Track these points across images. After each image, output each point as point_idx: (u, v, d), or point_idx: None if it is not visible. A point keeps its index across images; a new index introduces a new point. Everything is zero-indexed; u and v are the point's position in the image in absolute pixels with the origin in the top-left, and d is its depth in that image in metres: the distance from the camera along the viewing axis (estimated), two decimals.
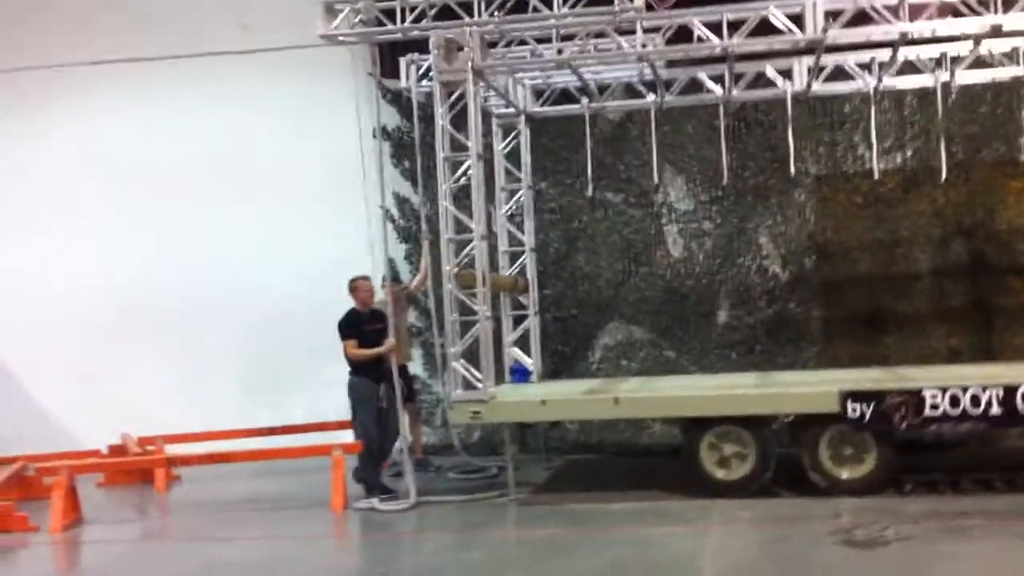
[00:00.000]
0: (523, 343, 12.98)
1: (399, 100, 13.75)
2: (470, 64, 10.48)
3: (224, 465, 11.88)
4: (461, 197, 11.02)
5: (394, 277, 12.84)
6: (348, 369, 11.01)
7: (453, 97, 10.79)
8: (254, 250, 14.50)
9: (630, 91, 12.79)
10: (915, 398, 9.45)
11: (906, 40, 10.77)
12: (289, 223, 14.41)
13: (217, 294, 14.48)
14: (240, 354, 14.42)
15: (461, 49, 10.53)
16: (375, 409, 11.10)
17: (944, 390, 9.41)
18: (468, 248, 10.71)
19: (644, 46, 10.82)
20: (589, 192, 12.79)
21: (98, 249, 15.01)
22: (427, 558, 8.78)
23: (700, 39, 10.53)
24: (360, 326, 11.03)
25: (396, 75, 12.99)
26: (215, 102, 14.76)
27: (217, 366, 14.41)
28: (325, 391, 13.06)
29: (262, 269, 14.41)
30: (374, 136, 13.73)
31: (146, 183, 14.83)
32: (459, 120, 10.85)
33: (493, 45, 10.98)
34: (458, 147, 10.75)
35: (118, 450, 13.18)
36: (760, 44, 10.73)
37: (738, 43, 10.46)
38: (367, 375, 11.01)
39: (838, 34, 10.31)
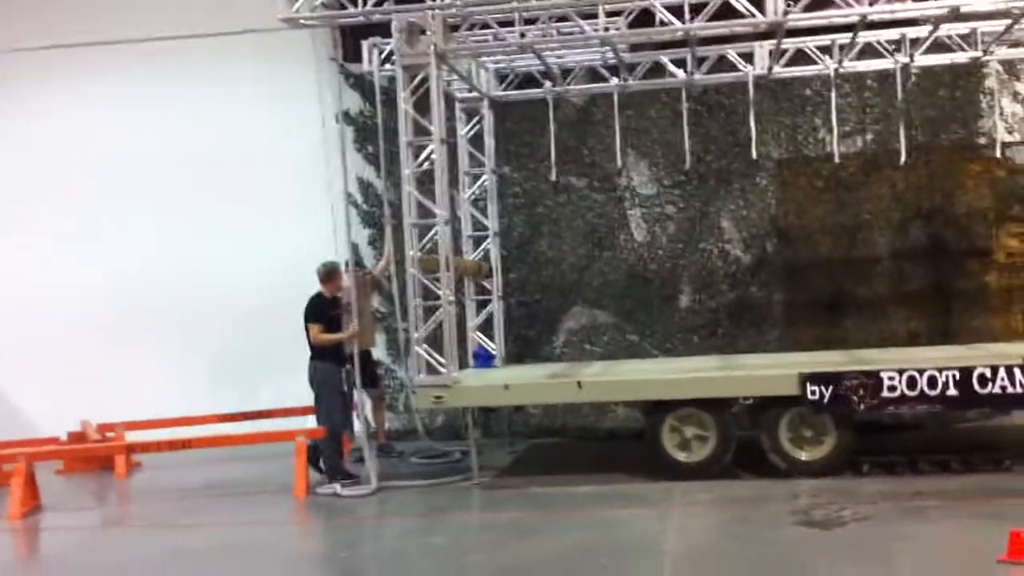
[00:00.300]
0: (487, 328, 13.00)
1: (361, 84, 13.71)
2: (433, 48, 10.43)
3: (185, 452, 11.77)
4: (425, 181, 10.99)
5: (357, 262, 12.83)
6: (309, 355, 10.95)
7: (416, 81, 10.72)
8: (216, 237, 14.40)
9: (593, 75, 12.80)
10: (873, 380, 9.53)
11: (866, 23, 10.84)
12: (252, 210, 14.34)
13: (182, 283, 14.39)
14: (211, 344, 14.33)
15: (424, 33, 10.49)
16: (340, 394, 11.10)
17: (902, 372, 9.50)
18: (431, 233, 10.69)
19: (607, 30, 10.80)
20: (553, 177, 12.79)
21: (70, 242, 14.90)
22: (390, 543, 8.78)
23: (662, 22, 10.53)
24: (325, 311, 11.00)
25: (358, 59, 12.93)
26: (176, 90, 14.60)
27: (189, 358, 14.33)
28: (291, 377, 12.99)
29: (229, 258, 14.30)
30: (336, 121, 13.69)
31: (118, 178, 14.70)
32: (422, 104, 10.79)
33: (455, 29, 10.92)
34: (421, 131, 10.71)
35: (77, 437, 13.06)
36: (721, 27, 10.77)
37: (700, 26, 10.48)
38: (331, 360, 10.99)
39: (798, 17, 10.36)
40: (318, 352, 10.93)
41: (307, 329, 10.93)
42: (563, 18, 11.10)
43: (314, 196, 13.95)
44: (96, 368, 14.42)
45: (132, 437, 12.86)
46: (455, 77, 12.19)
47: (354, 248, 13.61)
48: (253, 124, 14.37)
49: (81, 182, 14.83)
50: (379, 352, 13.40)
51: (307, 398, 12.01)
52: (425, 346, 10.58)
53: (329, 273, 11.08)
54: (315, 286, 11.12)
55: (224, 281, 14.23)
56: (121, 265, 14.64)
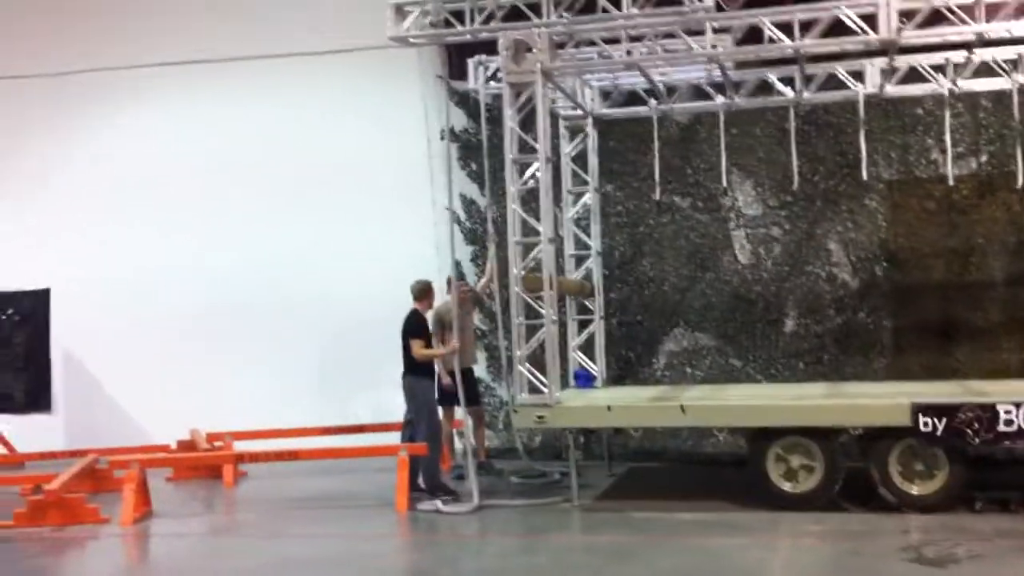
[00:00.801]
0: (587, 348, 12.94)
1: (466, 102, 13.82)
2: (539, 65, 10.46)
3: (289, 463, 11.99)
4: (528, 199, 11.04)
5: (459, 279, 12.92)
6: (405, 370, 11.11)
7: (522, 99, 10.77)
8: (324, 251, 14.68)
9: (698, 93, 12.67)
10: (989, 412, 9.25)
11: (982, 41, 10.54)
12: (358, 224, 14.59)
13: (287, 293, 14.70)
14: (312, 355, 14.62)
15: (530, 50, 10.52)
16: (436, 411, 11.23)
17: (1019, 405, 9.20)
18: (535, 251, 10.70)
19: (714, 47, 10.72)
20: (657, 196, 12.69)
21: (180, 252, 15.32)
22: (492, 561, 8.81)
23: (771, 40, 10.38)
24: (424, 327, 11.16)
25: (463, 77, 13.08)
26: (287, 105, 14.97)
27: (289, 368, 14.63)
28: (389, 392, 13.16)
29: (332, 270, 14.57)
30: (442, 138, 13.90)
31: (225, 188, 15.12)
32: (527, 122, 10.85)
33: (561, 46, 10.93)
34: (526, 149, 10.75)
35: (186, 445, 13.40)
36: (832, 45, 10.56)
37: (810, 44, 10.31)
38: (428, 376, 11.15)
39: (912, 35, 10.11)
40: (415, 368, 11.05)
41: (406, 344, 11.04)
42: (669, 35, 11.04)
43: (418, 212, 14.23)
44: (202, 376, 14.82)
45: (238, 446, 13.16)
46: (559, 95, 12.21)
47: (456, 265, 13.79)
48: (361, 140, 14.65)
49: (195, 188, 15.25)
50: (479, 370, 13.43)
51: (395, 408, 12.21)
52: (527, 365, 10.59)
53: (423, 290, 11.25)
54: (406, 296, 11.35)
55: (328, 293, 14.49)
56: (230, 275, 15.00)
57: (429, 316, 11.64)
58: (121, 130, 15.71)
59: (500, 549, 9.20)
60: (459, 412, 12.11)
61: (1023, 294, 12.39)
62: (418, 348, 10.97)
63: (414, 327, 11.10)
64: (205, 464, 12.94)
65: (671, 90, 12.62)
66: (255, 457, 11.68)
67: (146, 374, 15.04)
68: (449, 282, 12.23)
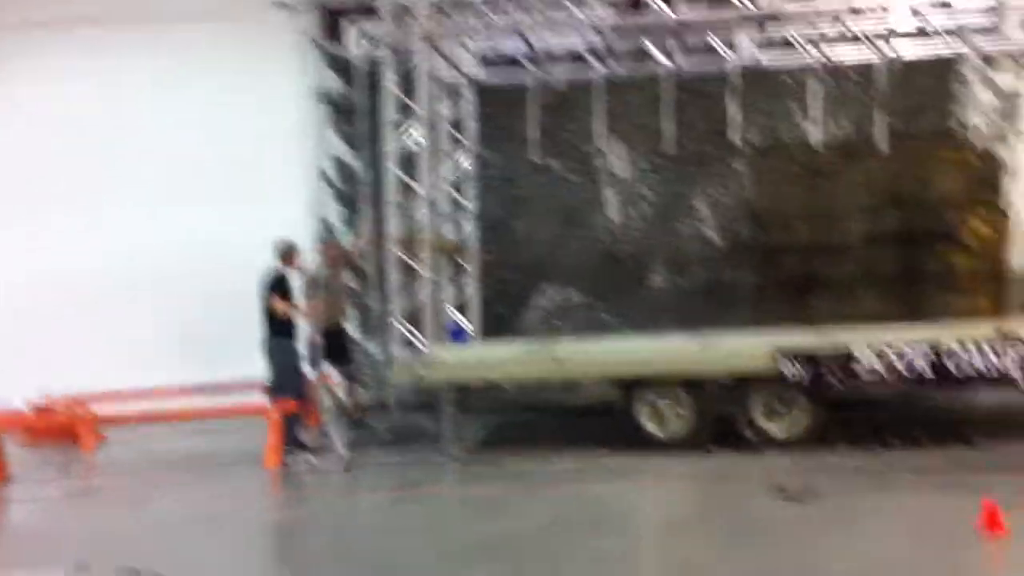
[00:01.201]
0: (461, 305, 12.97)
1: (340, 65, 13.60)
2: (421, 30, 10.40)
3: (152, 425, 11.69)
4: (406, 162, 10.98)
5: (331, 239, 12.81)
6: (266, 332, 11.05)
7: (403, 62, 10.71)
8: (194, 212, 14.24)
9: (576, 59, 12.77)
10: (848, 359, 9.65)
11: (851, 12, 10.90)
12: (230, 188, 14.16)
13: (152, 256, 14.23)
14: (177, 318, 14.17)
15: (411, 15, 10.46)
16: (297, 368, 11.21)
17: (876, 351, 9.62)
18: (413, 212, 10.67)
19: (596, 16, 10.82)
20: (536, 159, 12.77)
21: (36, 209, 14.65)
22: (369, 515, 8.76)
23: (652, 9, 10.54)
24: (286, 285, 11.17)
25: (338, 39, 12.89)
26: (156, 67, 14.45)
27: (153, 330, 14.16)
28: (257, 353, 12.96)
29: (201, 231, 14.14)
30: (316, 101, 13.69)
31: (90, 144, 14.49)
32: (405, 85, 10.80)
33: (443, 11, 10.89)
34: (405, 111, 10.69)
35: (41, 409, 12.88)
36: (710, 16, 10.80)
37: (690, 15, 10.51)
38: (288, 335, 11.12)
39: (787, 7, 10.41)
40: (275, 327, 11.00)
41: (266, 302, 11.00)
42: (552, 2, 11.10)
43: (290, 175, 13.93)
44: (57, 339, 14.23)
45: (97, 409, 12.70)
46: (439, 59, 12.16)
47: (327, 226, 13.66)
48: (232, 102, 14.23)
49: (52, 156, 14.63)
50: (350, 328, 13.30)
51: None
52: (404, 322, 10.56)
53: (286, 250, 11.21)
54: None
55: (196, 254, 14.07)
56: (89, 237, 14.43)
57: (297, 276, 11.53)
58: None
59: (377, 503, 9.16)
60: (330, 369, 12.05)
61: (879, 251, 12.94)
62: (279, 304, 10.94)
63: (275, 285, 11.08)
64: (63, 428, 12.46)
65: (550, 56, 12.67)
66: (117, 420, 11.29)
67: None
68: (322, 242, 12.13)
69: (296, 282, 11.57)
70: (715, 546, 7.09)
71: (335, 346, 11.95)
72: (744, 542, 7.13)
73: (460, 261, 13.04)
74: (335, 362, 12.21)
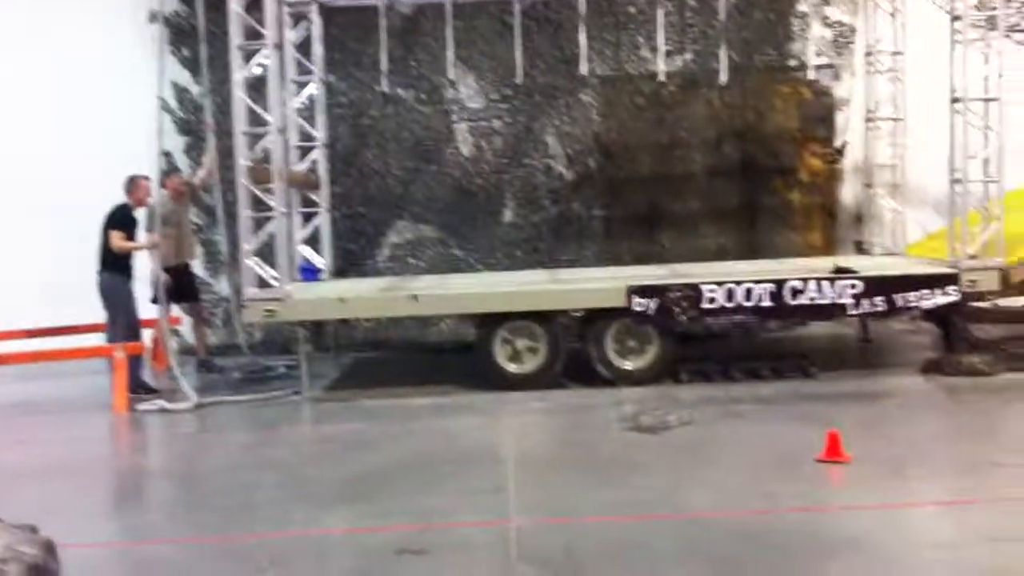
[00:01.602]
0: (311, 241, 12.78)
1: None
2: None
3: None
4: (252, 88, 10.64)
5: (173, 171, 12.38)
6: (100, 267, 10.83)
7: None
8: (27, 142, 13.41)
9: None
10: (694, 293, 10.03)
11: None
12: (65, 114, 13.39)
13: None
14: (15, 254, 13.46)
15: None
16: (132, 307, 10.98)
17: (721, 285, 10.04)
18: (261, 142, 10.39)
19: None
20: (384, 88, 12.57)
21: None
22: (225, 456, 8.65)
23: None
24: (130, 220, 10.89)
25: None
26: None
27: None
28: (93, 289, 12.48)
29: (35, 162, 13.36)
30: (150, 21, 13.07)
31: None
32: (250, 7, 10.41)
33: None
34: (251, 35, 10.33)
35: None
36: None
37: None
38: (122, 271, 10.87)
39: None
40: (109, 263, 10.78)
41: (105, 237, 10.74)
42: None
43: (128, 102, 13.27)
44: None
45: None
46: None
47: (167, 156, 13.13)
48: (65, 24, 13.40)
49: None
50: (196, 266, 12.95)
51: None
52: (255, 259, 10.35)
53: (128, 183, 10.90)
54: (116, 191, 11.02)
55: (33, 188, 13.31)
56: None
57: (142, 212, 11.15)
58: None
59: (232, 444, 9.08)
60: (176, 309, 11.77)
61: (720, 185, 13.39)
62: (117, 239, 10.68)
63: (116, 219, 10.82)
64: None
65: None
66: None
67: None
68: (164, 176, 11.70)
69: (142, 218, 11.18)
70: (576, 478, 7.32)
71: (182, 284, 11.66)
72: (603, 474, 7.38)
73: (310, 195, 12.79)
74: (182, 301, 11.92)
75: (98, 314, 11.26)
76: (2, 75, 13.45)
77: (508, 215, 13.42)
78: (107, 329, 10.96)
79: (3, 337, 12.09)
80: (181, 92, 13.40)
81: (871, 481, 6.92)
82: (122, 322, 10.80)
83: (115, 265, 10.77)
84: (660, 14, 12.39)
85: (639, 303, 10.03)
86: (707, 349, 11.39)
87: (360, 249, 13.46)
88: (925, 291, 9.96)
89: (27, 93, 13.42)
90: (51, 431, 9.68)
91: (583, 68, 12.42)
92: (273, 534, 6.44)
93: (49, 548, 5.10)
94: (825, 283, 9.99)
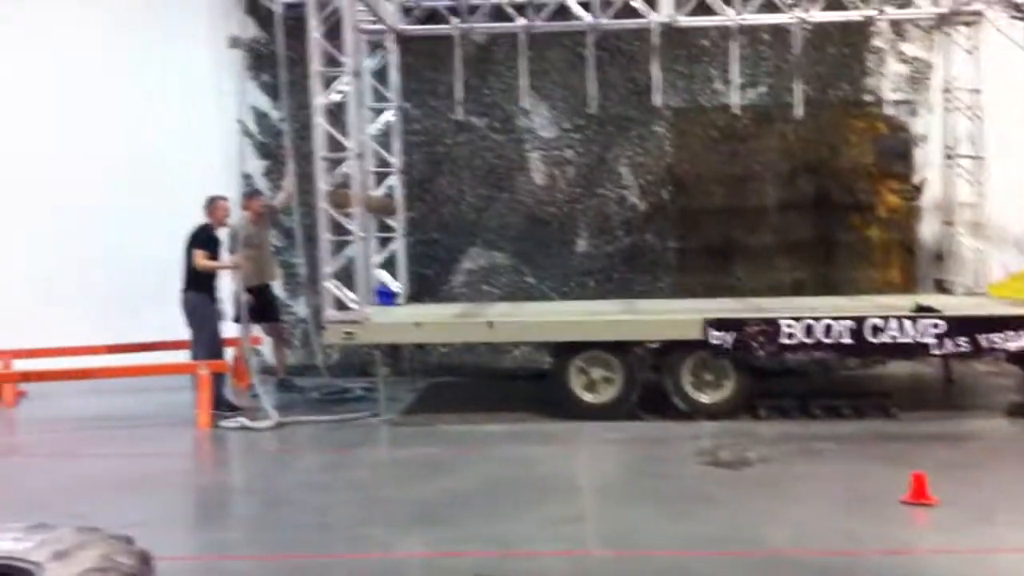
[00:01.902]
0: (388, 265, 12.95)
1: (257, 10, 13.31)
2: None
3: (73, 383, 11.43)
4: (330, 114, 10.85)
5: (255, 193, 12.60)
6: (184, 286, 10.99)
7: (327, 11, 10.52)
8: (108, 163, 13.77)
9: (498, 13, 12.74)
10: (773, 327, 9.97)
11: None
12: (144, 137, 13.74)
13: (66, 208, 13.75)
14: (93, 272, 13.79)
15: None
16: (216, 326, 11.15)
17: (799, 320, 9.96)
18: (341, 167, 10.57)
19: None
20: (459, 115, 12.73)
21: None
22: (305, 475, 8.75)
23: None
24: (212, 240, 11.08)
25: None
26: (62, 8, 13.87)
27: (65, 283, 13.75)
28: (175, 308, 12.73)
29: (117, 183, 13.71)
30: (230, 47, 13.37)
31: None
32: (329, 34, 10.63)
33: None
34: (330, 63, 10.53)
35: None
36: None
37: None
38: (206, 291, 11.03)
39: None
40: (193, 283, 10.94)
41: (189, 256, 10.90)
42: None
43: (207, 124, 13.60)
44: None
45: (18, 365, 12.37)
46: (362, 8, 11.97)
47: (249, 179, 13.42)
48: (145, 47, 13.77)
49: None
50: (276, 287, 13.15)
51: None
52: (335, 281, 10.51)
53: (207, 204, 11.12)
54: (196, 213, 11.24)
55: (112, 207, 13.66)
56: (12, 193, 13.89)
57: (224, 233, 11.38)
58: None
59: (312, 464, 9.18)
60: (257, 329, 11.96)
61: (795, 219, 13.31)
62: (201, 259, 10.87)
63: (199, 239, 11.00)
64: None
65: (472, 9, 12.61)
66: (43, 376, 11.00)
67: None
68: (245, 197, 11.95)
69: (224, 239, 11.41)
70: (654, 511, 7.30)
71: (263, 304, 11.85)
72: (680, 508, 7.36)
73: (387, 220, 12.96)
74: (262, 321, 12.11)
75: (179, 332, 11.48)
76: (86, 98, 13.81)
77: (581, 244, 13.45)
78: (191, 347, 11.12)
79: (86, 352, 12.40)
80: (260, 117, 13.65)
81: (958, 525, 6.82)
82: (205, 340, 10.97)
83: (199, 284, 10.96)
84: (734, 47, 12.43)
85: (716, 336, 10.00)
86: (785, 385, 11.30)
87: (434, 274, 13.57)
88: (1010, 332, 9.80)
89: (109, 116, 13.77)
90: (135, 445, 9.88)
91: (656, 100, 12.48)
92: (350, 555, 6.52)
93: (145, 559, 5.19)
94: (907, 322, 9.87)
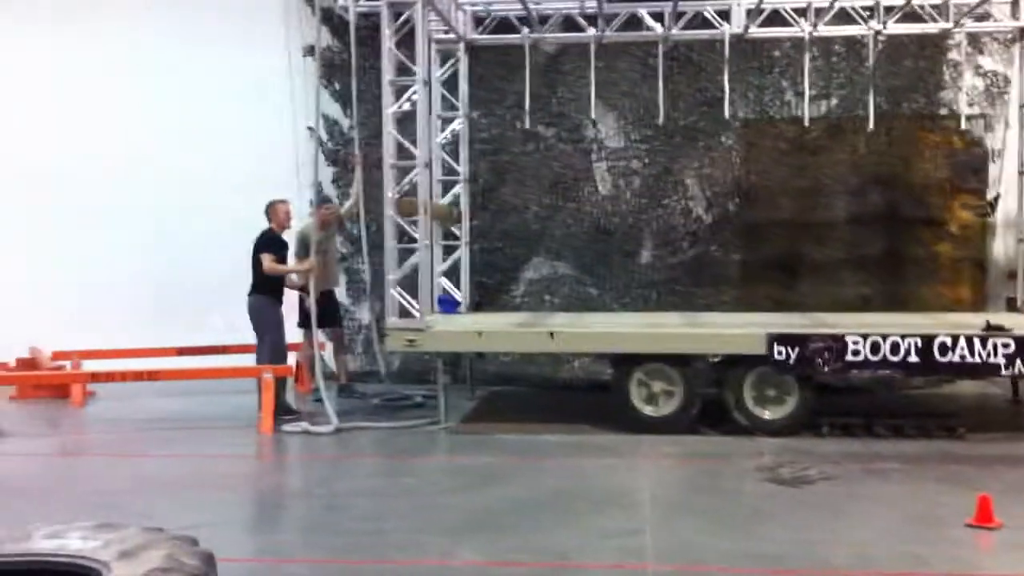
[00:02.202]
0: (450, 273, 13.01)
1: (330, 19, 13.45)
2: None
3: (140, 383, 11.64)
4: (402, 122, 10.94)
5: (323, 201, 12.75)
6: (251, 289, 11.11)
7: (400, 20, 10.62)
8: (178, 167, 14.07)
9: (567, 24, 12.76)
10: (839, 343, 9.81)
11: None
12: (215, 142, 14.01)
13: (137, 211, 14.09)
14: (160, 274, 14.09)
15: None
16: (281, 330, 11.25)
17: (866, 337, 9.79)
18: (410, 175, 10.65)
19: None
20: (527, 125, 12.76)
21: (19, 162, 14.42)
22: (363, 481, 8.81)
23: None
24: (278, 244, 11.20)
25: None
26: (139, 15, 14.20)
27: (133, 285, 14.07)
28: (242, 311, 12.93)
29: (186, 188, 13.99)
30: (304, 55, 13.58)
31: (58, 98, 14.32)
32: (401, 43, 10.73)
33: None
34: (403, 71, 10.63)
35: (27, 363, 12.83)
36: None
37: None
38: (271, 294, 11.12)
39: None
40: (259, 286, 11.04)
41: (256, 260, 11.00)
42: None
43: (278, 130, 13.81)
44: (38, 293, 14.16)
45: (87, 366, 12.69)
46: (435, 18, 12.07)
47: (318, 186, 13.58)
48: (218, 53, 14.02)
49: (38, 96, 14.41)
50: (339, 293, 13.31)
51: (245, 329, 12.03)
52: (398, 288, 10.59)
53: (268, 208, 11.24)
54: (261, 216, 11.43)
55: (181, 210, 13.95)
56: (75, 187, 14.25)
57: (290, 237, 11.53)
58: None
59: (371, 470, 9.24)
60: (320, 334, 12.08)
61: (864, 234, 13.11)
62: (268, 262, 10.95)
63: (265, 242, 11.11)
64: (51, 383, 12.41)
65: (543, 19, 12.63)
66: (111, 376, 11.24)
67: None
68: (312, 203, 12.09)
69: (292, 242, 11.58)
70: (712, 527, 7.22)
71: (325, 310, 11.97)
72: (740, 524, 7.27)
73: (452, 228, 13.04)
74: (324, 326, 12.23)
75: (246, 335, 11.67)
76: (160, 103, 14.14)
77: (645, 256, 13.39)
78: (256, 350, 11.27)
79: (156, 354, 12.67)
80: (331, 124, 13.81)
81: None
82: (269, 344, 11.11)
83: (264, 288, 11.09)
84: (806, 59, 12.28)
85: (780, 351, 9.87)
86: (848, 402, 11.11)
87: (496, 283, 13.61)
88: None
89: (183, 121, 14.07)
90: (193, 447, 10.03)
91: (726, 111, 12.39)
92: (405, 562, 6.54)
93: (209, 560, 5.27)
94: (977, 341, 9.66)
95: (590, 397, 11.95)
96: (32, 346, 13.09)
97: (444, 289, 12.82)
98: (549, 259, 13.53)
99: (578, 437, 10.13)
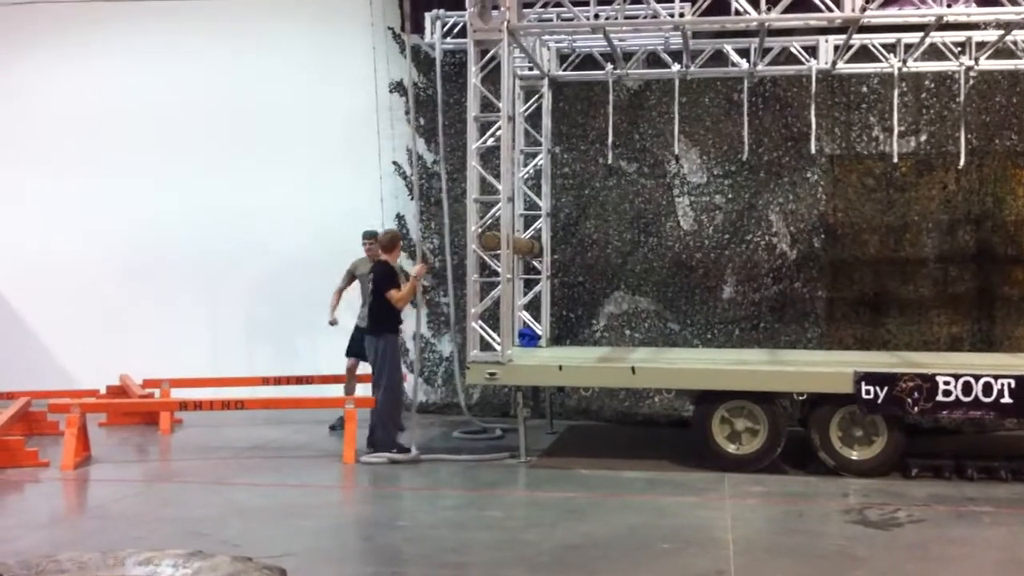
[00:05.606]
0: (531, 307, 13.06)
1: (417, 55, 13.69)
2: (505, 24, 10.45)
3: (226, 412, 11.86)
4: (487, 157, 11.06)
5: (404, 234, 12.93)
6: (372, 326, 10.92)
7: (486, 57, 10.76)
8: (264, 199, 14.44)
9: (651, 60, 12.79)
10: (929, 383, 9.60)
11: (939, 23, 10.78)
12: (301, 174, 14.38)
13: (225, 243, 14.49)
14: (248, 305, 14.43)
15: (496, 8, 10.51)
16: (399, 366, 11.18)
17: (957, 377, 9.57)
18: (493, 210, 10.75)
19: (681, 14, 10.83)
20: (609, 160, 12.80)
21: (114, 194, 14.95)
22: (445, 513, 8.82)
23: (737, 11, 10.52)
24: (397, 278, 10.98)
25: (415, 30, 13.06)
26: (231, 48, 14.66)
27: (222, 316, 14.42)
28: (325, 342, 13.16)
29: (273, 219, 14.36)
30: (391, 91, 13.83)
31: (162, 129, 14.79)
32: (486, 79, 10.87)
33: (528, 5, 10.94)
34: (486, 107, 10.75)
35: (117, 391, 13.17)
36: (795, 20, 10.77)
37: (775, 18, 10.43)
38: (394, 331, 10.91)
39: (874, 15, 10.36)
40: (385, 324, 10.75)
41: (380, 296, 10.66)
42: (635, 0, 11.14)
43: (363, 164, 14.08)
44: (128, 322, 14.61)
45: (175, 394, 12.99)
46: (519, 55, 12.20)
47: (401, 220, 13.81)
48: (307, 88, 14.46)
49: (129, 132, 14.88)
50: (422, 326, 13.42)
51: (341, 365, 12.22)
52: (480, 322, 10.66)
53: (393, 241, 11.05)
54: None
55: (268, 241, 14.31)
56: (165, 220, 14.71)
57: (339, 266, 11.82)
58: (44, 67, 15.18)
59: (453, 502, 9.25)
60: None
61: (953, 271, 12.84)
62: (397, 294, 10.63)
63: (388, 277, 10.74)
64: (140, 410, 12.72)
65: (627, 55, 12.69)
66: (199, 405, 11.48)
67: (66, 317, 14.72)
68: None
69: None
70: (799, 568, 7.11)
71: (358, 342, 11.95)
72: (825, 567, 7.14)
73: (533, 262, 13.10)
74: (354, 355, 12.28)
75: (333, 366, 11.82)
76: (249, 136, 14.45)
77: (727, 291, 13.26)
78: (374, 385, 11.06)
79: (243, 383, 12.92)
80: (417, 159, 13.99)
81: None
82: (391, 380, 10.83)
83: (389, 325, 10.77)
84: (895, 94, 12.12)
85: (868, 391, 9.68)
86: (938, 444, 10.85)
87: (577, 318, 13.60)
88: None
89: (270, 155, 14.39)
90: (278, 475, 10.14)
91: (812, 146, 12.28)
92: None
93: None
94: None
95: (670, 433, 11.85)
96: (122, 374, 13.44)
97: (525, 323, 12.85)
98: (630, 294, 13.49)
99: (658, 474, 10.05)
